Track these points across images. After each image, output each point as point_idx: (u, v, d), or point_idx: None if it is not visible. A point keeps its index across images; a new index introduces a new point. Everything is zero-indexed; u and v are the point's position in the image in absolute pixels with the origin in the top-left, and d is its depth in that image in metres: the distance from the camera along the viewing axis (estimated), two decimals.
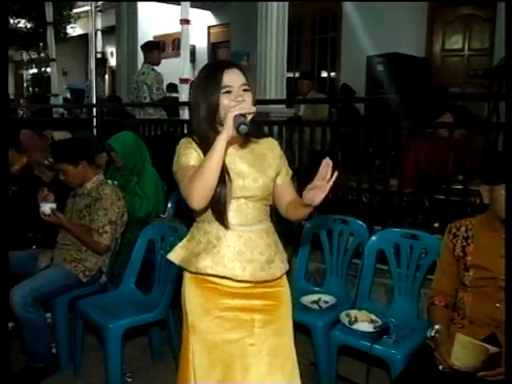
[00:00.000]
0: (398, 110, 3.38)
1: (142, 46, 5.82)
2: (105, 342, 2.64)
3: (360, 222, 2.95)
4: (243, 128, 1.54)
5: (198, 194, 1.55)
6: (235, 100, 1.66)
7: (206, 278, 1.73)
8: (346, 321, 2.57)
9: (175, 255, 1.80)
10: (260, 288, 1.77)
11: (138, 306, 2.85)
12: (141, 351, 3.21)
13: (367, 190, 3.37)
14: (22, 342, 2.91)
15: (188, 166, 1.64)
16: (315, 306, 2.75)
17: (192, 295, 1.76)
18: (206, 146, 1.64)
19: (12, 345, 3.13)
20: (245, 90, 1.70)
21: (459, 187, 3.02)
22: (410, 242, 2.70)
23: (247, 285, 1.74)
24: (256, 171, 1.74)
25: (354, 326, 2.53)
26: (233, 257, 1.70)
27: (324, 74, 5.64)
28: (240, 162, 1.73)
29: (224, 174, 1.64)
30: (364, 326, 2.52)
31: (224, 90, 1.67)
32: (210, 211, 1.68)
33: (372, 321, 2.57)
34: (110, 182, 3.21)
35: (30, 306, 2.75)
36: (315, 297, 2.83)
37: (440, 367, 1.97)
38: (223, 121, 1.59)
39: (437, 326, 2.07)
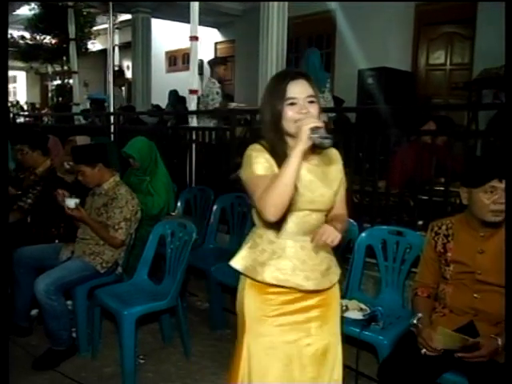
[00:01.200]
0: (386, 119, 3.36)
1: (209, 62, 5.78)
2: (120, 327, 2.64)
3: (351, 221, 2.92)
4: (328, 142, 1.44)
5: (274, 206, 1.45)
6: (300, 112, 1.54)
7: (268, 285, 1.64)
8: None
9: (239, 263, 1.68)
10: (316, 296, 1.69)
11: (150, 294, 2.85)
12: (152, 336, 3.22)
13: (357, 191, 3.36)
14: (46, 327, 2.92)
15: (260, 176, 1.54)
16: None
17: (252, 301, 1.67)
18: (274, 154, 1.58)
19: (37, 329, 3.17)
20: (311, 102, 1.57)
21: (441, 188, 3.01)
22: (396, 238, 2.70)
23: (306, 292, 1.66)
24: (323, 185, 1.64)
25: (345, 314, 2.52)
26: (297, 267, 1.62)
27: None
28: (309, 175, 1.61)
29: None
30: (354, 314, 2.51)
31: (288, 102, 1.55)
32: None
33: (361, 309, 2.56)
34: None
35: (53, 294, 2.76)
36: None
37: (423, 351, 1.97)
38: (295, 134, 1.49)
39: (419, 314, 2.07)
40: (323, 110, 1.84)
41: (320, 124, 1.45)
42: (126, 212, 2.98)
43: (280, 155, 1.56)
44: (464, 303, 2.09)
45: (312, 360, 1.68)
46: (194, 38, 4.70)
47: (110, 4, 6.37)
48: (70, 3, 7.65)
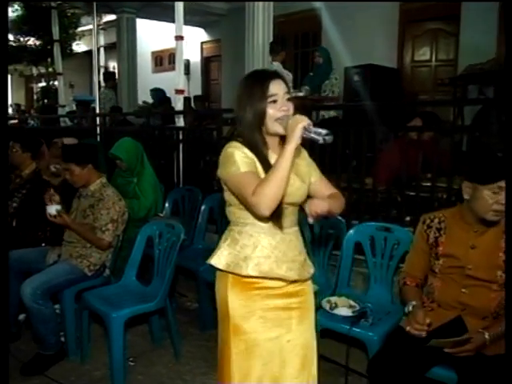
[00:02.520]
0: (373, 116, 3.38)
1: (271, 45, 5.42)
2: (109, 330, 2.62)
3: (339, 217, 2.94)
4: (330, 138, 1.46)
5: (271, 200, 1.47)
6: (280, 110, 1.59)
7: (252, 280, 1.65)
8: (327, 306, 2.57)
9: (218, 260, 1.68)
10: (296, 286, 1.73)
11: (139, 296, 2.84)
12: (142, 337, 3.21)
13: (345, 188, 3.36)
14: (33, 332, 2.90)
15: (246, 173, 1.55)
16: None
17: (236, 298, 1.67)
18: (255, 152, 1.61)
19: (24, 334, 3.14)
20: (288, 99, 1.62)
21: (428, 184, 3.03)
22: (384, 234, 2.71)
23: (286, 283, 1.69)
24: (298, 179, 1.68)
25: (335, 311, 2.54)
26: (280, 259, 1.64)
27: (306, 88, 5.69)
28: None
29: None
30: (343, 311, 2.53)
31: (270, 100, 1.59)
32: (253, 215, 1.61)
33: (351, 306, 2.57)
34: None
35: (40, 299, 2.74)
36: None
37: (423, 334, 1.95)
38: (286, 131, 1.52)
39: (413, 302, 2.06)
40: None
41: (311, 123, 1.48)
42: (112, 213, 2.96)
43: (259, 152, 1.60)
44: (452, 298, 2.10)
45: (292, 356, 1.71)
46: (179, 38, 4.69)
47: (94, 5, 6.30)
48: (54, 4, 7.57)
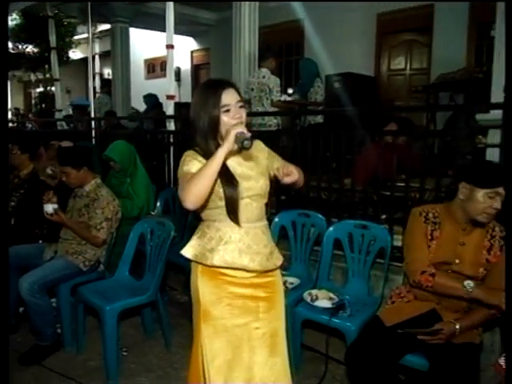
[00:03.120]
0: (352, 121, 3.39)
1: (260, 51, 5.36)
2: (103, 322, 2.61)
3: (319, 216, 2.97)
4: (247, 143, 1.50)
5: (193, 196, 1.50)
6: (234, 117, 1.62)
7: (219, 270, 1.69)
8: (308, 299, 2.59)
9: (189, 251, 1.73)
10: (263, 278, 1.75)
11: (132, 290, 2.82)
12: (135, 329, 3.19)
13: (325, 189, 3.39)
14: (31, 324, 2.88)
15: (188, 174, 1.59)
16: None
17: (205, 286, 1.70)
18: (209, 157, 1.60)
19: (22, 326, 3.11)
20: (240, 107, 1.65)
21: (402, 184, 3.05)
22: (362, 231, 2.73)
23: (253, 274, 1.72)
24: (256, 173, 1.71)
25: (315, 303, 2.56)
26: (243, 251, 1.67)
27: (290, 91, 5.70)
28: (241, 167, 1.69)
29: (233, 178, 1.63)
30: (323, 303, 2.55)
31: (224, 109, 1.62)
32: (220, 211, 1.66)
33: (330, 298, 2.59)
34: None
35: (37, 293, 2.72)
36: (282, 279, 2.82)
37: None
38: (225, 136, 1.55)
39: (468, 282, 1.97)
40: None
41: (245, 130, 1.53)
42: (107, 212, 2.94)
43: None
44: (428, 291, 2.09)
45: (260, 342, 1.73)
46: (169, 47, 4.67)
47: (89, 14, 6.25)
48: (51, 14, 7.49)
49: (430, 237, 2.11)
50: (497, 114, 2.69)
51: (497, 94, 3.10)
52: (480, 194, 1.96)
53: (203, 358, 1.68)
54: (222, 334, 1.69)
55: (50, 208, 2.80)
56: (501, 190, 1.93)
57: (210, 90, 1.65)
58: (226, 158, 1.57)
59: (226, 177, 1.62)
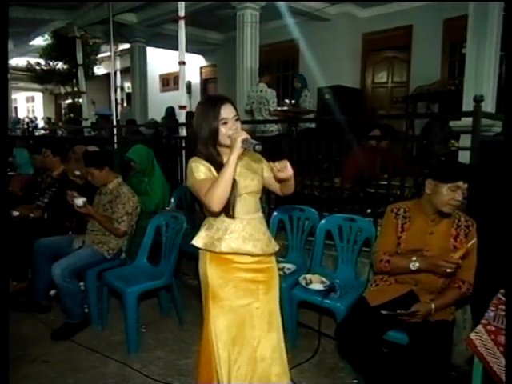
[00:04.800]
0: (341, 127, 3.38)
1: (259, 68, 5.42)
2: (124, 302, 2.61)
3: (313, 210, 2.96)
4: (259, 147, 1.54)
5: (219, 199, 1.55)
6: (231, 128, 1.64)
7: (226, 256, 1.70)
8: (303, 282, 2.58)
9: (198, 241, 1.73)
10: (262, 264, 1.77)
11: (149, 275, 2.82)
12: (152, 309, 3.19)
13: (318, 187, 3.38)
14: (62, 305, 2.88)
15: (202, 180, 1.63)
16: (281, 273, 2.70)
17: (214, 271, 1.72)
18: (212, 162, 1.67)
19: (54, 307, 3.11)
20: (236, 120, 1.68)
21: (384, 183, 3.04)
22: (350, 223, 2.72)
23: (255, 259, 1.74)
24: (251, 172, 1.74)
25: (310, 286, 2.55)
26: (246, 238, 1.70)
27: (287, 101, 5.74)
28: (239, 167, 1.69)
29: (232, 179, 1.63)
30: (316, 286, 2.54)
31: (222, 122, 1.64)
32: (207, 211, 1.70)
33: (322, 282, 2.58)
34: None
35: (68, 277, 2.73)
36: (281, 265, 2.80)
37: (448, 270, 1.90)
38: (228, 144, 1.60)
39: (413, 259, 2.00)
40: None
41: (246, 135, 1.57)
42: (127, 207, 2.94)
43: (216, 162, 1.68)
44: (407, 275, 2.09)
45: (260, 320, 1.76)
46: (181, 63, 4.64)
47: (111, 35, 6.23)
48: (78, 34, 7.47)
49: (400, 229, 2.14)
50: (468, 121, 2.68)
51: (467, 103, 3.10)
52: (443, 188, 1.98)
53: (213, 335, 1.70)
54: (228, 314, 1.71)
55: (80, 201, 2.80)
56: (461, 183, 1.95)
57: (210, 105, 1.68)
58: (222, 162, 1.62)
59: None
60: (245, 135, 1.57)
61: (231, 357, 1.70)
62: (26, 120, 12.60)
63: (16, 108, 18.64)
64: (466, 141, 2.83)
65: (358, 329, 1.98)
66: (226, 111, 1.66)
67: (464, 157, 2.81)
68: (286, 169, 1.62)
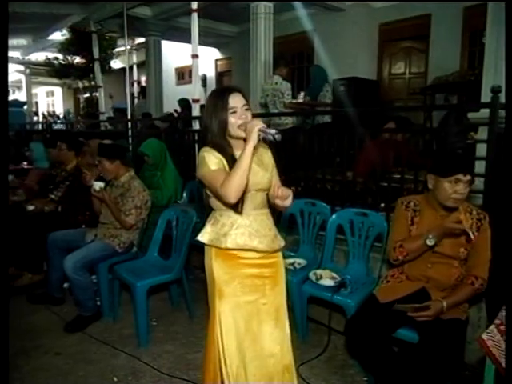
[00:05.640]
0: (356, 120, 3.31)
1: (274, 60, 5.30)
2: (134, 296, 2.62)
3: (324, 204, 2.91)
4: (278, 137, 1.48)
5: (236, 190, 1.51)
6: (240, 118, 1.61)
7: (232, 252, 1.68)
8: (313, 278, 2.55)
9: (204, 237, 1.71)
10: (268, 259, 1.74)
11: (160, 269, 2.82)
12: (163, 302, 3.20)
13: (330, 181, 3.32)
14: (74, 297, 2.90)
15: (216, 171, 1.59)
16: (291, 267, 2.71)
17: (220, 267, 1.69)
18: (223, 154, 1.63)
19: (68, 299, 3.15)
20: (246, 109, 1.64)
21: (398, 176, 2.96)
22: (362, 218, 2.66)
23: (261, 255, 1.71)
24: (262, 169, 1.70)
25: (320, 282, 2.52)
26: (252, 234, 1.67)
27: (301, 95, 5.65)
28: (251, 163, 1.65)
29: None
30: (327, 282, 2.51)
31: (231, 111, 1.61)
32: (223, 203, 1.65)
33: (333, 277, 2.55)
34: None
35: (79, 270, 2.74)
36: (291, 260, 2.79)
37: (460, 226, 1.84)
38: (246, 133, 1.54)
39: (428, 235, 1.92)
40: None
41: (262, 124, 1.52)
42: (136, 201, 2.93)
43: (226, 152, 1.64)
44: (418, 271, 2.06)
45: (267, 316, 1.74)
46: (194, 56, 4.62)
47: (125, 30, 6.24)
48: (94, 29, 7.49)
49: (410, 222, 2.08)
50: (486, 112, 2.58)
51: (486, 94, 2.98)
52: (443, 182, 1.92)
53: (219, 331, 1.67)
54: (236, 310, 1.69)
55: (97, 185, 2.81)
56: (461, 176, 1.88)
57: (219, 96, 1.65)
58: (234, 156, 1.58)
59: None
60: (261, 124, 1.51)
61: (239, 353, 1.68)
62: (45, 113, 12.80)
63: (37, 102, 18.97)
64: (484, 133, 2.72)
65: (367, 326, 1.93)
66: (235, 100, 1.62)
67: (482, 150, 2.72)
68: (287, 199, 1.58)
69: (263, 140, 1.54)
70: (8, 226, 3.33)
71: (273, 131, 1.49)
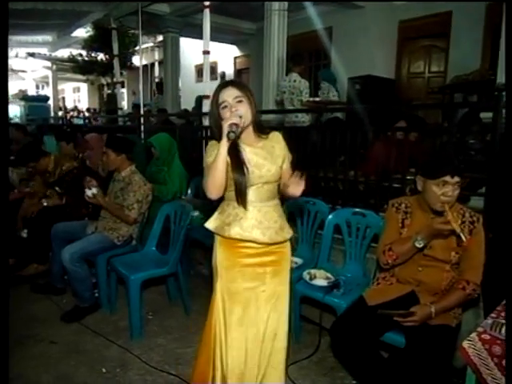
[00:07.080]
0: (367, 118, 3.23)
1: (291, 58, 5.25)
2: (128, 289, 2.63)
3: (323, 203, 2.86)
4: (232, 135, 1.50)
5: (211, 187, 1.56)
6: (230, 111, 1.61)
7: (234, 241, 1.70)
8: (307, 277, 2.51)
9: (211, 224, 1.75)
10: (272, 247, 1.75)
11: (156, 262, 2.83)
12: (161, 296, 3.21)
13: (332, 179, 3.25)
14: (73, 289, 2.94)
15: (209, 164, 1.63)
16: None
17: (222, 254, 1.74)
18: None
19: (69, 290, 3.19)
20: (239, 101, 1.63)
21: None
22: (359, 218, 2.61)
23: (262, 246, 1.72)
24: (269, 163, 1.69)
25: (313, 282, 2.47)
26: (255, 226, 1.68)
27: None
28: (256, 157, 1.67)
29: (242, 167, 1.62)
30: (320, 282, 2.46)
31: (222, 106, 1.63)
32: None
33: (327, 278, 2.50)
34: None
35: (77, 262, 2.77)
36: None
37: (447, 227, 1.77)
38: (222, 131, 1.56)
39: (417, 237, 1.86)
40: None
41: (236, 121, 1.53)
42: (138, 195, 2.95)
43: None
44: (409, 274, 2.00)
45: (265, 303, 1.76)
46: (206, 52, 4.65)
47: (139, 26, 6.30)
48: (114, 26, 7.58)
49: (401, 224, 2.02)
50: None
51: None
52: (431, 184, 1.85)
53: (219, 314, 1.72)
54: (235, 295, 1.73)
55: (89, 192, 2.84)
56: (448, 178, 1.80)
57: (215, 91, 1.68)
58: (238, 149, 1.62)
59: (237, 165, 1.63)
60: (233, 120, 1.52)
61: (236, 335, 1.72)
62: (67, 108, 13.08)
63: (64, 98, 19.47)
64: None
65: (352, 328, 1.88)
66: (226, 93, 1.63)
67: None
68: (299, 185, 1.60)
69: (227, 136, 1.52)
70: (9, 221, 3.43)
71: (238, 129, 1.51)
